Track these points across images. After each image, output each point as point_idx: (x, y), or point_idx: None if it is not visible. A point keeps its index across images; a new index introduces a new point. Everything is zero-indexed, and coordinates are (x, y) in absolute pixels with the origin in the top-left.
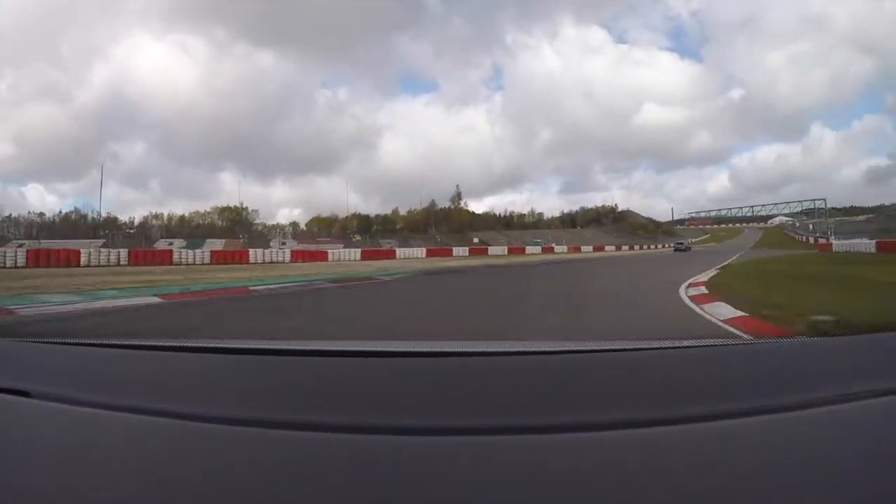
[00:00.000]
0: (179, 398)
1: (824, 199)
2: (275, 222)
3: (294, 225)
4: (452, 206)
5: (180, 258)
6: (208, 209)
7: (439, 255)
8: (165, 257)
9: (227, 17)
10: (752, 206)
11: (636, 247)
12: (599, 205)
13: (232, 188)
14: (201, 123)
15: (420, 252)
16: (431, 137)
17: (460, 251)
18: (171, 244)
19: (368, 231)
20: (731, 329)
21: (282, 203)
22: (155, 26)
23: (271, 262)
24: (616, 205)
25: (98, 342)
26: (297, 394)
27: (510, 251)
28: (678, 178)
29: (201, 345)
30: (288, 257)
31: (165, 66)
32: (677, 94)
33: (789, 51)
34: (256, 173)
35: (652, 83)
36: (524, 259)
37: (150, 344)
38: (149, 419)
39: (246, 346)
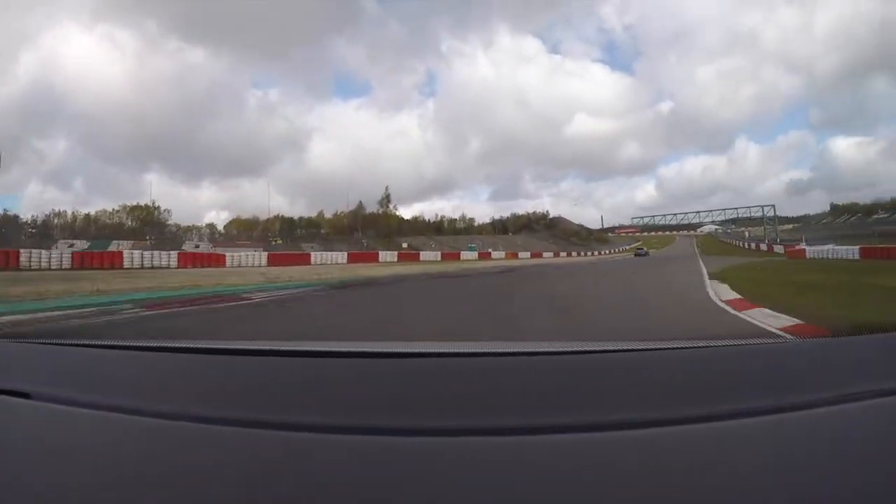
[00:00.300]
0: (179, 399)
1: (773, 206)
2: (190, 224)
3: (211, 227)
4: (380, 211)
5: (29, 262)
6: (116, 207)
7: (364, 260)
8: (11, 260)
9: (159, 10)
10: (697, 212)
11: (573, 253)
12: (530, 211)
13: (158, 189)
14: (127, 120)
15: (341, 257)
16: (362, 142)
17: (388, 256)
18: (71, 245)
19: (292, 234)
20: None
21: (210, 206)
22: (83, 16)
23: (152, 268)
24: (547, 211)
25: (98, 343)
26: (297, 395)
27: (444, 257)
28: (607, 187)
29: (201, 346)
30: (174, 262)
31: (92, 58)
32: (608, 106)
33: (718, 66)
34: (184, 175)
35: (584, 94)
36: (464, 266)
37: (150, 345)
38: (148, 420)
39: (245, 347)
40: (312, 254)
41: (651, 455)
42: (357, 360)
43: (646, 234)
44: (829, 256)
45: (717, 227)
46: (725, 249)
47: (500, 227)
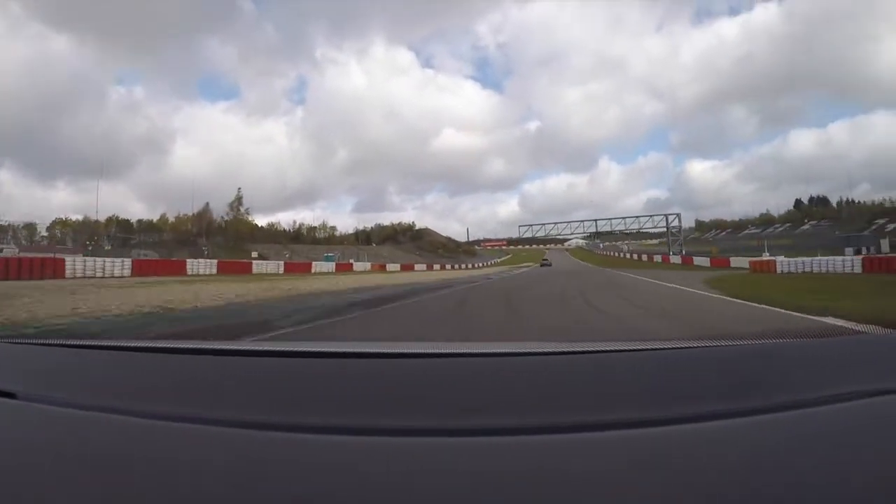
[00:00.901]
0: (168, 400)
1: (678, 215)
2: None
3: (30, 227)
4: (230, 215)
5: None
6: None
7: (162, 271)
8: None
9: None
10: (594, 221)
11: (447, 266)
12: (396, 222)
13: (10, 190)
14: None
15: (122, 267)
16: (227, 146)
17: (203, 266)
18: None
19: (127, 239)
20: None
21: (64, 209)
22: None
23: None
24: (413, 223)
25: (86, 343)
26: (290, 395)
27: (289, 269)
28: (471, 202)
29: (191, 346)
30: None
31: None
32: (477, 122)
33: (586, 89)
34: (37, 173)
35: (454, 109)
36: (312, 286)
37: (138, 345)
38: (137, 421)
39: (235, 347)
40: (67, 260)
41: (648, 454)
42: (353, 360)
43: (513, 247)
44: (819, 270)
45: (583, 240)
46: (621, 263)
47: (364, 238)
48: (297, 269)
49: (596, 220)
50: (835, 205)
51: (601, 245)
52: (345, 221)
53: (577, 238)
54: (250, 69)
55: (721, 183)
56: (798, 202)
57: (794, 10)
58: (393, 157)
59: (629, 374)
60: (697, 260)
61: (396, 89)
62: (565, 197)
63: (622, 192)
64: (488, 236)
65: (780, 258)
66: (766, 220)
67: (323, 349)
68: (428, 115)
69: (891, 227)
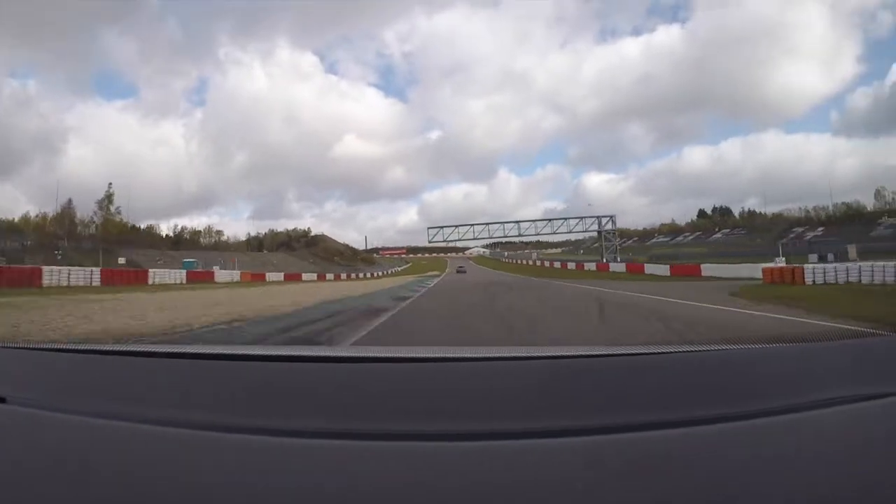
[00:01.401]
0: (160, 404)
1: (612, 217)
2: None
3: None
4: (98, 215)
5: None
6: None
7: None
8: None
9: None
10: (517, 222)
11: (343, 276)
12: (290, 228)
13: None
14: None
15: None
16: (122, 147)
17: None
18: None
19: None
20: None
21: None
22: None
23: None
24: (309, 229)
25: (76, 348)
26: (285, 399)
27: (105, 278)
28: (370, 210)
29: (184, 350)
30: None
31: None
32: (379, 130)
33: (489, 101)
34: None
35: (356, 116)
36: None
37: (129, 350)
38: (128, 425)
39: (230, 352)
40: None
41: (643, 458)
42: (353, 364)
43: (412, 255)
44: (870, 281)
45: (485, 249)
46: (546, 272)
47: (256, 245)
48: (124, 279)
49: (518, 223)
50: (737, 215)
51: (505, 254)
52: (241, 228)
53: (478, 247)
54: (150, 66)
55: (616, 195)
56: (702, 212)
57: (695, 33)
58: (293, 162)
59: (622, 378)
60: (649, 268)
61: (299, 94)
62: (464, 206)
63: (520, 202)
64: (387, 244)
65: (806, 266)
66: (673, 229)
67: (319, 353)
68: (330, 121)
69: (809, 234)
